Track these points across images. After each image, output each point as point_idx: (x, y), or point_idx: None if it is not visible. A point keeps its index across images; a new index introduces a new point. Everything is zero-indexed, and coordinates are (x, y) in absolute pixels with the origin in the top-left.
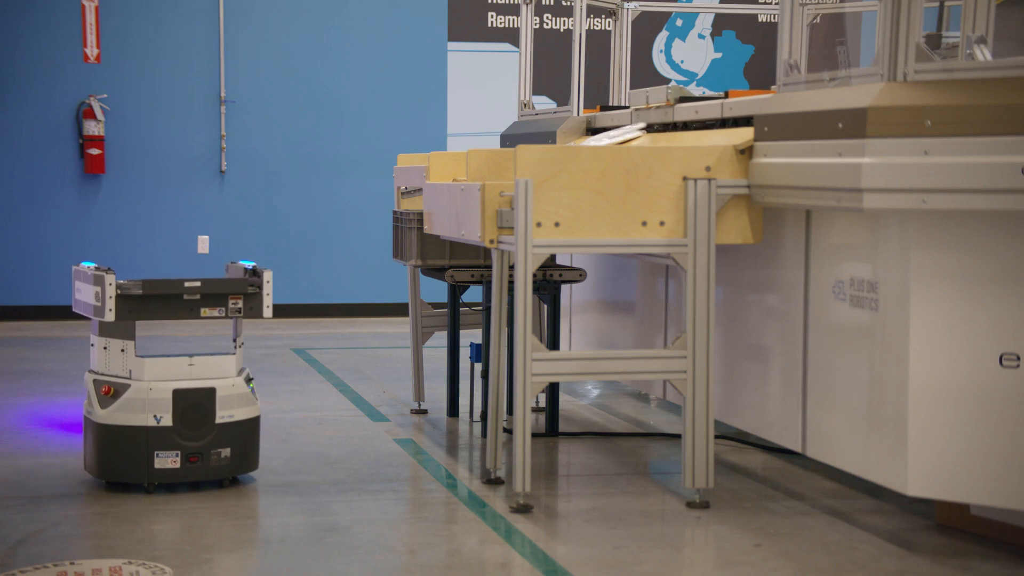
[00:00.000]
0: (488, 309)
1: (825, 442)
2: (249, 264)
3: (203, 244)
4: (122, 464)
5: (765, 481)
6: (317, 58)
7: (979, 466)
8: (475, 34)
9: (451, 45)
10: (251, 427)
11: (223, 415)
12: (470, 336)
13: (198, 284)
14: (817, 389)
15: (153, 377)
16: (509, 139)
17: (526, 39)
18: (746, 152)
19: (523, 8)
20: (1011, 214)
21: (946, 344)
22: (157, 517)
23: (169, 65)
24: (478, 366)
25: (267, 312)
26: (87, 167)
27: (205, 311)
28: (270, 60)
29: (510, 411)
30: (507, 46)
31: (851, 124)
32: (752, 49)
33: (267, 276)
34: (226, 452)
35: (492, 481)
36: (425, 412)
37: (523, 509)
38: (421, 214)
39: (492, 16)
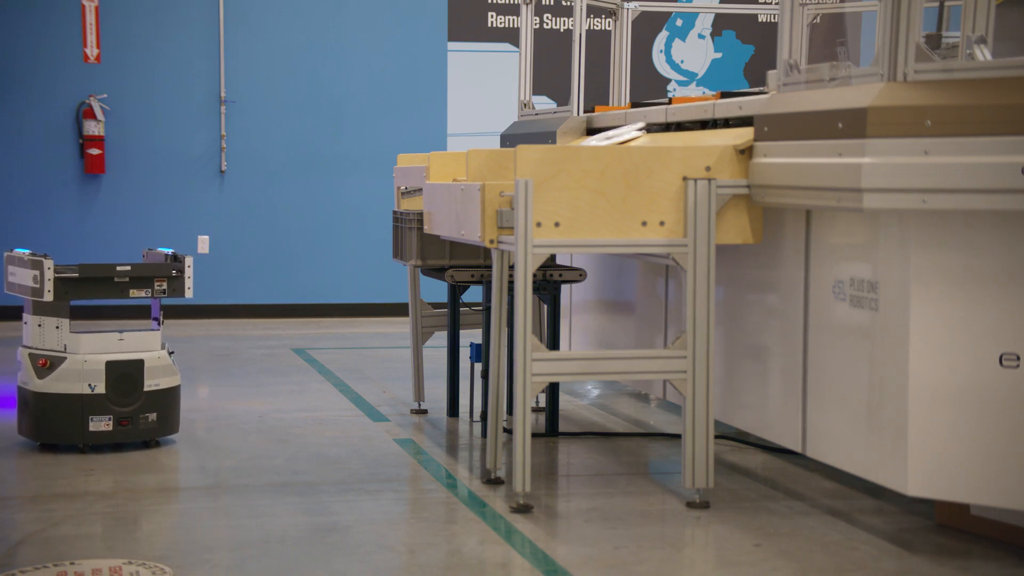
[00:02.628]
0: (488, 309)
1: (825, 442)
2: (168, 250)
3: (203, 244)
4: (58, 428)
5: (765, 481)
6: (317, 58)
7: (979, 466)
8: (475, 34)
9: (451, 45)
10: (173, 394)
11: (150, 384)
12: (470, 336)
13: (128, 268)
14: (817, 389)
15: (88, 350)
16: (509, 139)
17: (526, 39)
18: (746, 152)
19: (523, 8)
20: (1011, 214)
21: (946, 344)
22: (156, 517)
23: (169, 65)
24: (478, 366)
25: (188, 293)
26: (87, 167)
27: (133, 292)
28: (270, 60)
29: (510, 411)
30: (507, 46)
31: (851, 124)
32: (752, 49)
33: (188, 261)
34: (152, 416)
35: (492, 481)
36: (425, 412)
37: (523, 509)
38: (421, 214)
39: (492, 16)
